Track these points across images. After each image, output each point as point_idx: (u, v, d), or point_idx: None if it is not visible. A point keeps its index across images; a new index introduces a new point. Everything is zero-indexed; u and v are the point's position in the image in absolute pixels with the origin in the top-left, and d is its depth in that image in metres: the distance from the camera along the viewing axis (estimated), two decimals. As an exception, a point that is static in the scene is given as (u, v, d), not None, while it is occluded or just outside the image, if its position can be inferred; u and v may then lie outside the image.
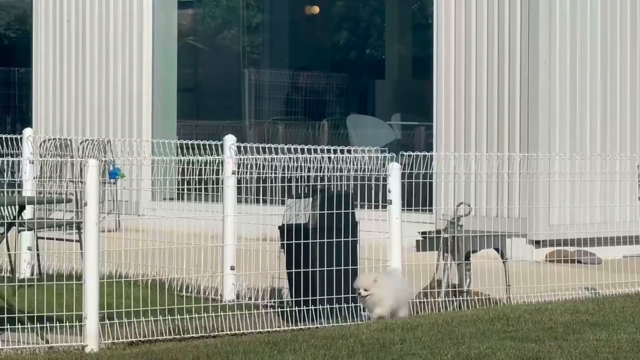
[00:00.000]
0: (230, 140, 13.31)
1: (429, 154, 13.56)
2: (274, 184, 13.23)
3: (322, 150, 12.91)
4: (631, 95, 17.40)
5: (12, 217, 12.82)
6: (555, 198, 16.01)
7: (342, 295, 11.53)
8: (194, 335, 10.81)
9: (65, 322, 10.25)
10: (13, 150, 15.08)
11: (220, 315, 11.31)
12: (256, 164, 13.46)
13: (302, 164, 12.73)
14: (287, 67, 24.64)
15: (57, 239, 14.54)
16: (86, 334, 9.82)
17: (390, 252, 11.77)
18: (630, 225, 14.87)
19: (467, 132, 17.00)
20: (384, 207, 11.82)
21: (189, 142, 14.03)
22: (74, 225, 13.93)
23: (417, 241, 12.57)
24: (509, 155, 15.93)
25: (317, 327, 10.99)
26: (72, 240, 14.13)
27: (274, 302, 12.27)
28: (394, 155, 12.73)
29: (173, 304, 10.97)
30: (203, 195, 14.05)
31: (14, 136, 15.13)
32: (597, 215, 15.85)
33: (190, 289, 12.59)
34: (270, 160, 13.33)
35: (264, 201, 13.67)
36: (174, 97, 21.59)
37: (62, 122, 21.29)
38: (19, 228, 13.29)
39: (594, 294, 12.73)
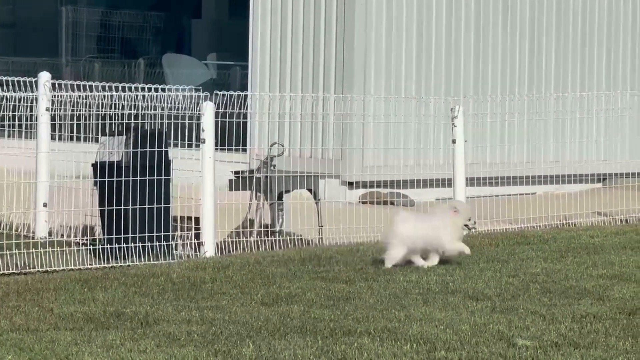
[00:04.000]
0: (44, 77, 13.08)
1: (244, 93, 13.53)
2: (88, 122, 13.09)
3: (136, 89, 12.74)
4: (447, 37, 17.30)
5: None
6: (370, 140, 16.17)
7: (155, 234, 11.57)
8: (5, 272, 10.74)
9: None
10: None
11: (32, 252, 11.30)
12: (70, 101, 13.20)
13: (117, 102, 12.61)
14: (104, 5, 23.85)
15: None
16: None
17: (203, 191, 12.04)
18: (443, 168, 14.96)
19: (282, 72, 17.06)
20: (198, 146, 11.84)
21: (3, 79, 13.51)
22: None
23: (230, 180, 12.97)
24: (324, 96, 15.89)
25: (128, 265, 11.15)
26: None
27: (87, 240, 12.31)
28: (208, 94, 12.66)
29: (-17, 240, 10.98)
30: (16, 131, 13.81)
31: None
32: (411, 158, 15.88)
33: (1, 225, 12.55)
34: (84, 98, 13.10)
35: (78, 138, 13.32)
36: (-13, 32, 20.83)
37: None
38: None
39: None
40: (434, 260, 10.85)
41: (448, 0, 17.85)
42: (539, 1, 18.45)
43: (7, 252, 11.07)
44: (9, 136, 14.45)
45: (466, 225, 10.91)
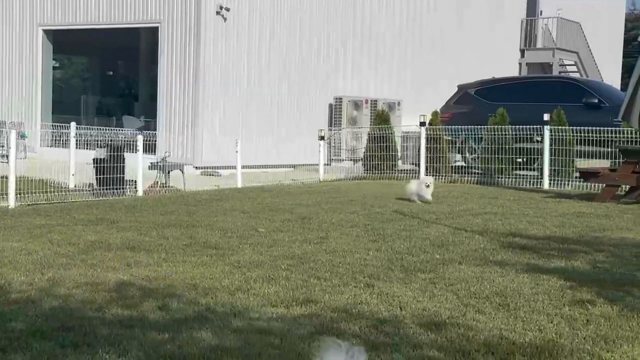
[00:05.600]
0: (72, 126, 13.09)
1: (154, 132, 14.38)
2: (93, 141, 13.55)
3: (112, 129, 13.50)
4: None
5: None
6: (204, 149, 16.80)
7: (117, 186, 12.20)
8: (54, 202, 10.83)
9: None
10: None
11: (69, 193, 11.57)
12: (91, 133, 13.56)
13: (105, 134, 13.52)
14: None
15: None
16: None
17: (138, 170, 12.30)
18: (233, 162, 14.33)
19: (169, 119, 17.12)
20: (136, 152, 12.59)
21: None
22: None
23: (149, 165, 13.16)
24: (188, 131, 16.63)
25: (106, 199, 11.32)
26: None
27: (91, 189, 12.40)
28: (139, 132, 13.62)
29: None
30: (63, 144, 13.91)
31: None
32: (219, 158, 16.48)
33: (55, 182, 12.27)
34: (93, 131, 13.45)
35: (90, 147, 13.69)
36: None
37: None
38: None
39: (218, 187, 13.67)
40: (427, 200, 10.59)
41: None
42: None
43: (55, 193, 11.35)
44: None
45: (427, 186, 10.62)
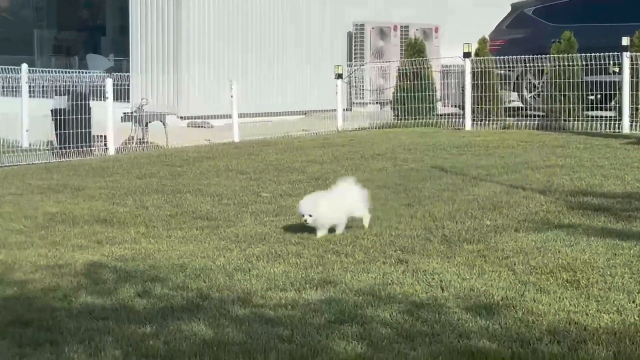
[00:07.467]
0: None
1: (127, 74, 14.92)
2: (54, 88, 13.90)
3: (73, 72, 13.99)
4: (230, 43, 17.71)
5: None
6: (190, 96, 17.22)
7: (82, 143, 12.86)
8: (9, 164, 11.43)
9: None
10: None
11: (22, 155, 12.26)
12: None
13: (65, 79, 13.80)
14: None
15: None
16: None
17: (107, 122, 13.20)
18: (228, 110, 14.91)
19: (147, 61, 17.49)
20: (105, 99, 13.24)
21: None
22: None
23: (121, 117, 13.97)
24: (168, 75, 17.03)
25: (70, 159, 11.91)
26: None
27: (51, 147, 13.04)
28: (108, 74, 14.10)
29: None
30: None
31: None
32: (209, 106, 16.91)
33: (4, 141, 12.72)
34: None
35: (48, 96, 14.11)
36: None
37: None
38: None
39: (210, 142, 13.84)
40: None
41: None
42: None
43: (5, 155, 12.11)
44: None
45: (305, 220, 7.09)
